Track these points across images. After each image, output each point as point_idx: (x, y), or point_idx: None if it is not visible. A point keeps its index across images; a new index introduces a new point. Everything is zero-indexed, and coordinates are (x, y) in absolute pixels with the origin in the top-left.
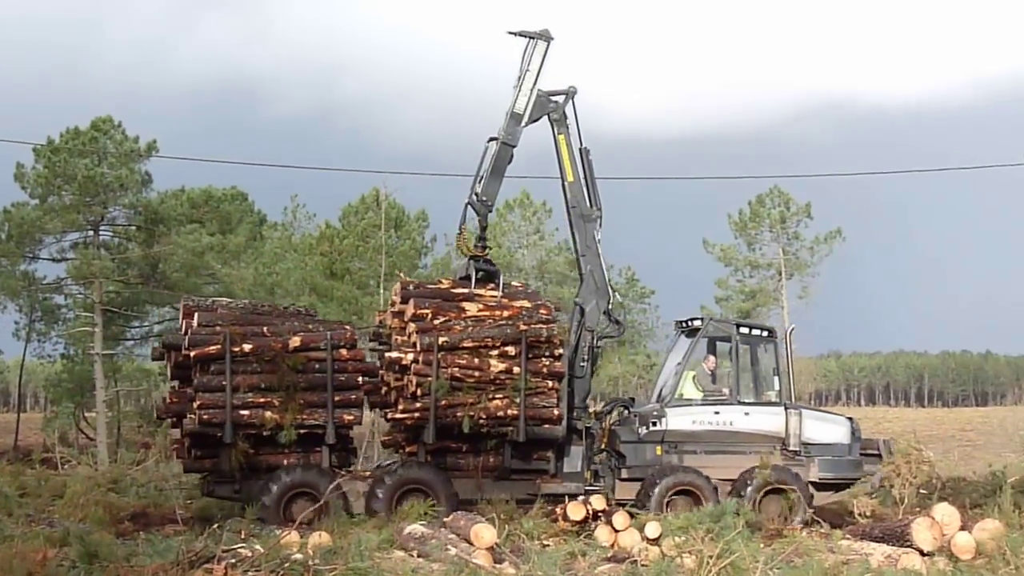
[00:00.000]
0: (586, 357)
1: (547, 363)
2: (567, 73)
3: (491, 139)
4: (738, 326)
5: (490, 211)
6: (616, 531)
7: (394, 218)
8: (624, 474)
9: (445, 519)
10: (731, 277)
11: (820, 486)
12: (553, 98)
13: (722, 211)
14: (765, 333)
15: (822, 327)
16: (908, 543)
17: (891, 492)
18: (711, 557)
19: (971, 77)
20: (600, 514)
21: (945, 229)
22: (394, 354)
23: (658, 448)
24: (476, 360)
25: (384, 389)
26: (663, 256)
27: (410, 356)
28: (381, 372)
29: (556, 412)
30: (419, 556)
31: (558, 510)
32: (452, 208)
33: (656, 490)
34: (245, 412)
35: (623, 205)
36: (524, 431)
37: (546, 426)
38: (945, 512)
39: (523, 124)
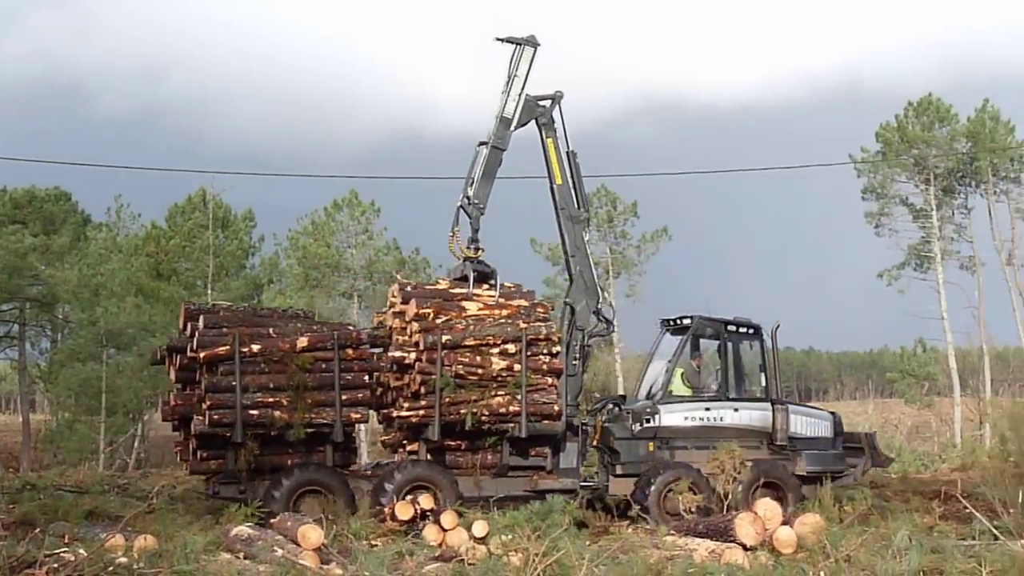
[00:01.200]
0: (577, 355)
1: (546, 360)
2: (397, 67)
3: (481, 143)
4: (726, 324)
5: (482, 214)
6: (444, 530)
7: (221, 218)
8: (619, 470)
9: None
10: (559, 275)
11: (807, 479)
12: (541, 103)
13: (548, 210)
14: (751, 330)
15: (649, 326)
16: (732, 538)
17: (715, 489)
18: (537, 555)
19: (801, 74)
20: (428, 513)
21: (769, 227)
22: (397, 353)
23: (650, 444)
24: (478, 358)
25: (380, 390)
26: (491, 255)
27: (412, 355)
28: (377, 373)
29: (556, 408)
30: (246, 558)
31: (386, 510)
32: (280, 208)
33: (654, 486)
34: (255, 412)
35: (452, 205)
36: (526, 427)
37: (546, 422)
38: (767, 507)
39: (512, 128)
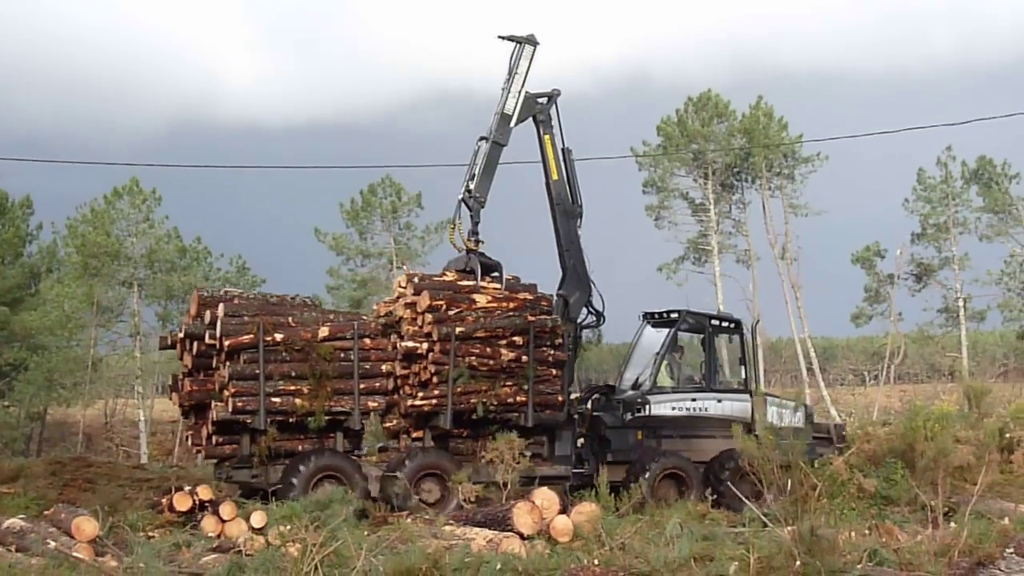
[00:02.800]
0: (571, 346)
1: (551, 352)
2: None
3: (481, 138)
4: (710, 318)
5: (482, 207)
6: (223, 521)
7: None
8: (609, 458)
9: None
10: (343, 266)
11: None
12: (539, 100)
13: (335, 201)
14: (732, 325)
15: None
16: (510, 527)
17: (494, 478)
18: (315, 545)
19: (587, 68)
20: (207, 504)
21: (540, 217)
22: (409, 343)
23: (639, 433)
24: (488, 349)
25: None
26: (275, 244)
27: (424, 345)
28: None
29: (560, 398)
30: (18, 551)
31: (164, 500)
32: (59, 196)
33: (648, 474)
34: (276, 399)
35: (236, 194)
36: (532, 416)
37: (549, 411)
38: (545, 497)
39: (512, 124)
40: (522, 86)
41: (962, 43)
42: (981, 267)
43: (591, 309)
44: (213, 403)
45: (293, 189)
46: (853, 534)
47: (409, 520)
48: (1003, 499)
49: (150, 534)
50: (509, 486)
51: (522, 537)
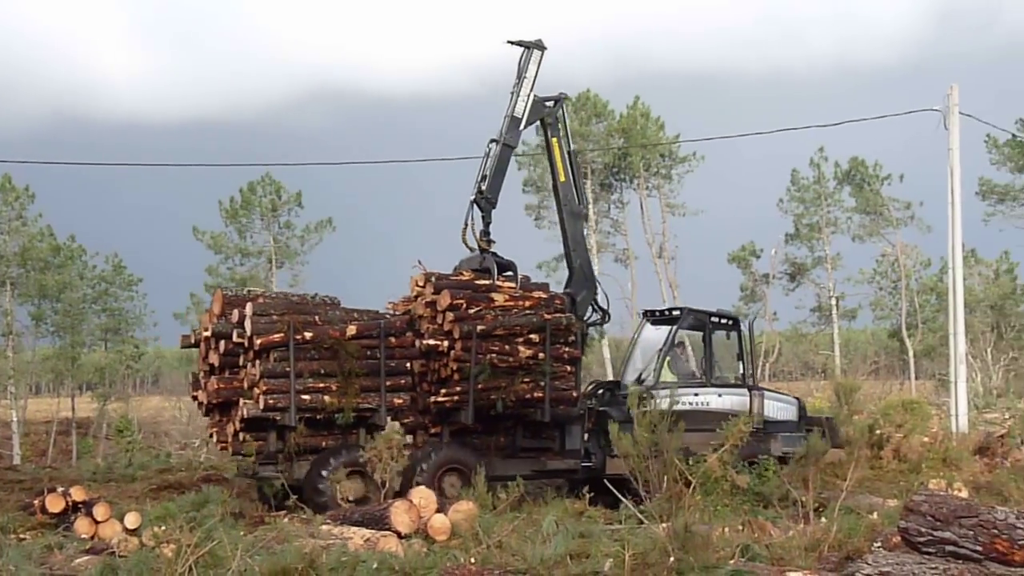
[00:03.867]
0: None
1: (566, 349)
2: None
3: (491, 141)
4: (710, 315)
5: (494, 207)
6: (96, 522)
7: None
8: (615, 451)
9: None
10: (221, 265)
11: (780, 460)
12: (547, 103)
13: (214, 198)
14: (731, 321)
15: None
16: (387, 526)
17: (373, 477)
18: (189, 546)
19: (472, 67)
20: (80, 506)
21: (440, 219)
22: (431, 341)
23: None
24: (507, 347)
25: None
26: (153, 242)
27: (445, 343)
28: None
29: (574, 394)
30: None
31: (36, 502)
32: None
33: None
34: (306, 397)
35: (114, 191)
36: (549, 412)
37: (563, 407)
38: (422, 495)
39: (521, 127)
40: (531, 90)
41: (841, 45)
42: (853, 266)
43: (596, 307)
44: (242, 400)
45: (173, 186)
46: (727, 530)
47: (286, 520)
48: (872, 494)
49: (21, 536)
50: (387, 485)
51: (400, 536)
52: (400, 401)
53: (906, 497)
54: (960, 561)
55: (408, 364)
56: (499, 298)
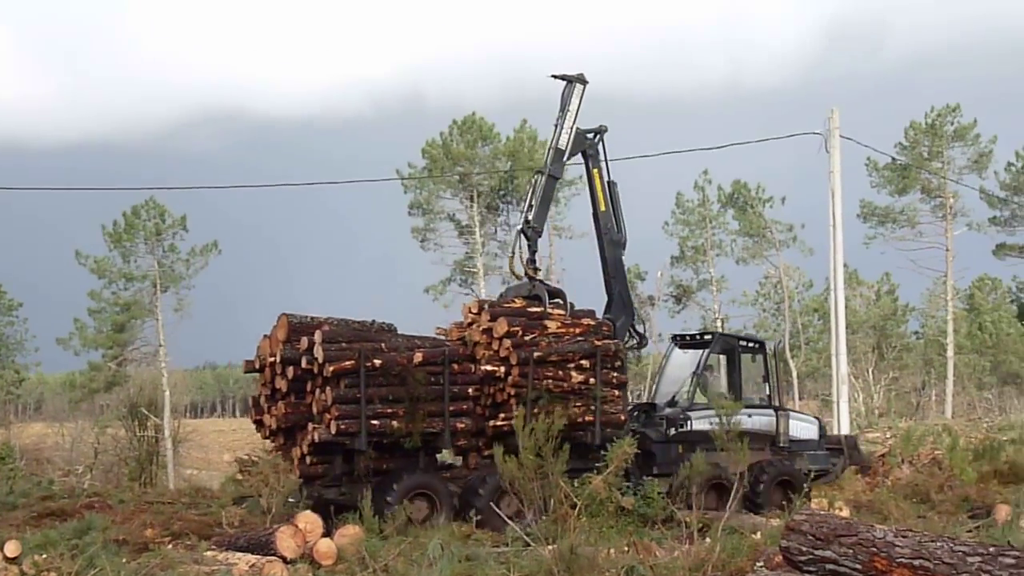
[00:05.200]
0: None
1: (614, 374)
2: None
3: (537, 172)
4: (739, 339)
5: (539, 236)
6: None
7: None
8: (655, 471)
9: None
10: (105, 289)
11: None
12: (588, 135)
13: (98, 222)
14: (757, 345)
15: (198, 339)
16: (273, 551)
17: (260, 501)
18: (71, 573)
19: (363, 88)
20: None
21: (333, 242)
22: (488, 367)
23: (680, 447)
24: (560, 372)
25: None
26: (34, 267)
27: (502, 369)
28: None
29: (623, 416)
30: None
31: None
32: None
33: (695, 487)
34: (375, 422)
35: None
36: (599, 434)
37: (611, 429)
38: (308, 520)
39: (566, 159)
40: (574, 122)
41: (731, 68)
42: (737, 288)
43: (634, 332)
44: (311, 425)
45: (55, 210)
46: (612, 551)
47: (171, 547)
48: (755, 514)
49: None
50: (273, 509)
51: (285, 561)
52: (462, 426)
53: (788, 517)
54: None
55: (469, 390)
56: (552, 325)
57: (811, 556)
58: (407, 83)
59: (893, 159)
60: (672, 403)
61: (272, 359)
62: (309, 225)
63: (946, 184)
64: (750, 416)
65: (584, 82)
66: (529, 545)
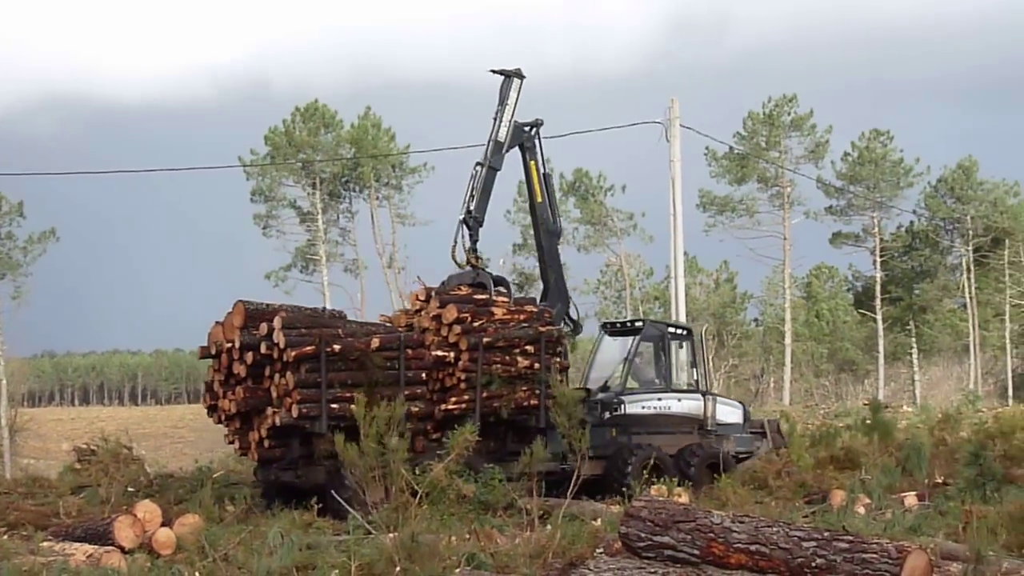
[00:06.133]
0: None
1: (557, 359)
2: None
3: (477, 164)
4: (667, 326)
5: (480, 226)
6: None
7: None
8: (590, 453)
9: None
10: None
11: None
12: (525, 128)
13: None
14: (685, 332)
15: (35, 327)
16: (111, 541)
17: (98, 491)
18: None
19: (208, 73)
20: None
21: (178, 229)
22: (438, 352)
23: (613, 431)
24: (507, 357)
25: None
26: None
27: (451, 354)
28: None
29: None
30: None
31: None
32: None
33: (631, 466)
34: (335, 405)
35: None
36: (544, 417)
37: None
38: (147, 509)
39: (504, 151)
40: (512, 116)
41: (576, 55)
42: (579, 276)
43: (568, 319)
44: (271, 410)
45: None
46: (453, 539)
47: (6, 537)
48: (595, 501)
49: None
50: (112, 499)
51: (123, 551)
52: (417, 410)
53: (628, 504)
54: (678, 565)
55: (423, 375)
56: (498, 312)
57: (650, 542)
58: (252, 68)
59: (731, 148)
60: (604, 388)
61: (229, 345)
62: (151, 211)
63: (783, 173)
64: (679, 400)
65: (522, 77)
66: (370, 533)
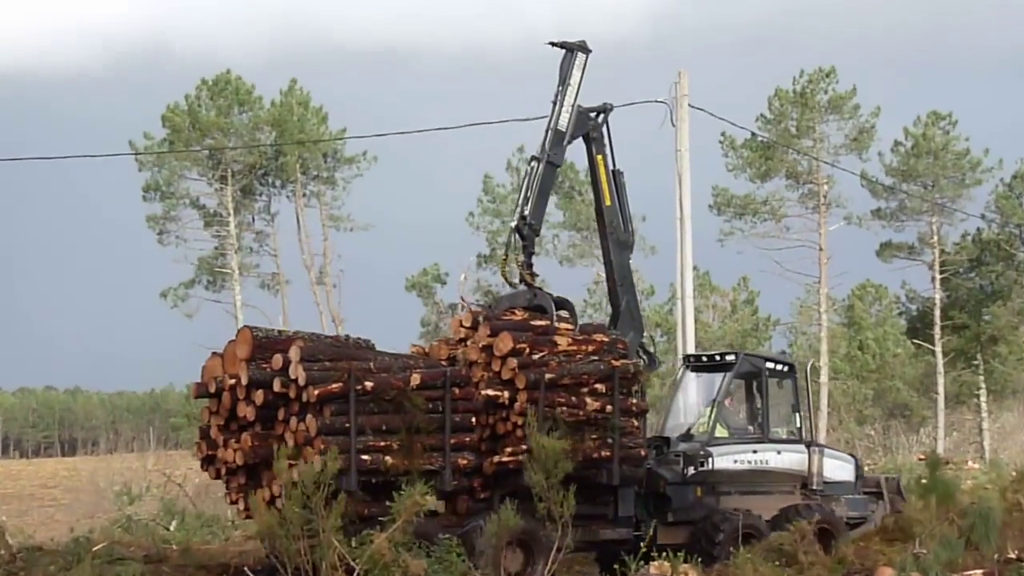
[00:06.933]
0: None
1: (633, 401)
2: None
3: (533, 158)
4: (766, 360)
5: (537, 235)
6: None
7: None
8: (670, 518)
9: None
10: None
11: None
12: (591, 115)
13: None
14: (786, 368)
15: None
16: None
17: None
18: None
19: (92, 34)
20: None
21: (26, 231)
22: (490, 392)
23: (698, 489)
24: (574, 398)
25: None
26: None
27: (506, 394)
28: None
29: (643, 452)
30: None
31: None
32: None
33: (722, 535)
34: (366, 457)
35: None
36: (618, 473)
37: (628, 467)
38: None
39: (566, 142)
40: (575, 99)
41: (561, 16)
42: (560, 295)
43: (643, 351)
44: (287, 462)
45: None
46: None
47: None
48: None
49: None
50: None
51: None
52: (464, 462)
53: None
54: None
55: (472, 419)
56: (562, 342)
57: None
58: (149, 31)
59: (754, 135)
60: (687, 437)
61: (232, 381)
62: (20, 208)
63: (819, 167)
64: (779, 453)
65: (587, 51)
66: None
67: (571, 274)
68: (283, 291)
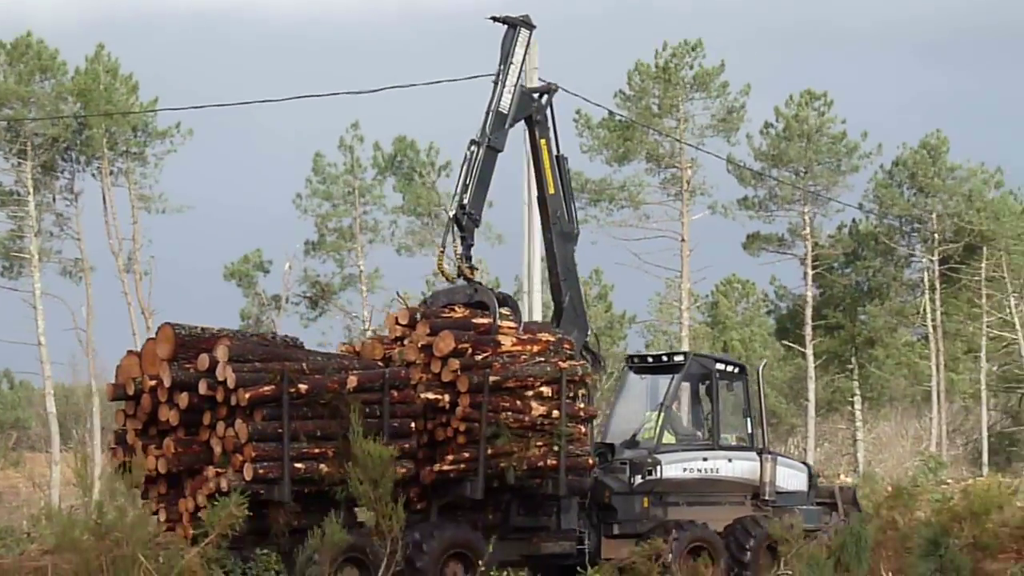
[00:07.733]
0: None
1: (580, 405)
2: None
3: (472, 143)
4: (716, 361)
5: (477, 226)
6: None
7: None
8: (615, 530)
9: None
10: None
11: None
12: (534, 96)
13: None
14: (737, 370)
15: None
16: None
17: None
18: None
19: None
20: None
21: None
22: (429, 395)
23: (645, 500)
24: (519, 402)
25: None
26: None
27: (447, 397)
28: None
29: (590, 461)
30: None
31: None
32: None
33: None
34: (299, 465)
35: None
36: (565, 483)
37: (575, 476)
38: None
39: (508, 125)
40: (518, 79)
41: None
42: (397, 287)
43: (587, 351)
44: (213, 470)
45: None
46: None
47: None
48: None
49: None
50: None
51: None
52: (403, 471)
53: None
54: None
55: (412, 424)
56: (506, 342)
57: None
58: None
59: (611, 113)
60: (632, 444)
61: (153, 383)
62: None
63: (682, 150)
64: (730, 461)
65: (531, 26)
66: None
67: (409, 264)
68: (87, 279)
